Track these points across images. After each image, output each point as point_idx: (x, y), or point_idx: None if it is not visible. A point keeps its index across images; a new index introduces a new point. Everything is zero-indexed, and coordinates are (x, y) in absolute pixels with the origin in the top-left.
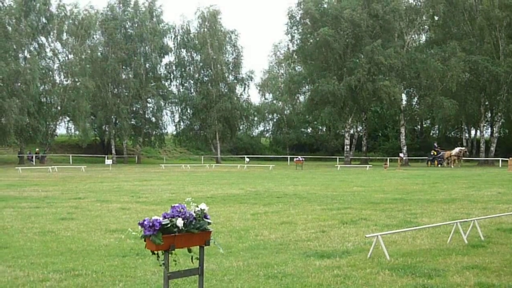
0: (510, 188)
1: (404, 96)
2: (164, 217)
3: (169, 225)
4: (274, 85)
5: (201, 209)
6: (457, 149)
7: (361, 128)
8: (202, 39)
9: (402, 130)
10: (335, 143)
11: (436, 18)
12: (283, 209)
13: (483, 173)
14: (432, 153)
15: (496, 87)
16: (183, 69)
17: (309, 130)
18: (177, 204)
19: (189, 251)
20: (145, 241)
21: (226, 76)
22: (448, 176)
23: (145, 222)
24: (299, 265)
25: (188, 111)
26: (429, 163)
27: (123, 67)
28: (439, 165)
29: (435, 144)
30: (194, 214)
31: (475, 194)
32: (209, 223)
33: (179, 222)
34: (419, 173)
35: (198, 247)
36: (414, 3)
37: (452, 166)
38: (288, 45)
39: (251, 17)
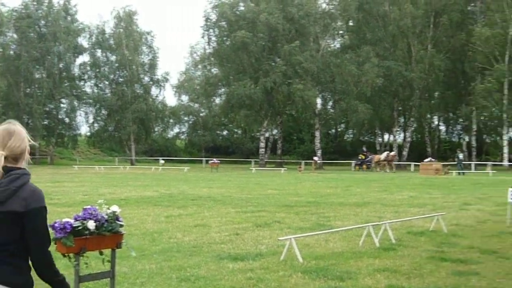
0: (421, 192)
1: (319, 100)
2: (76, 219)
3: (80, 228)
4: (190, 87)
5: (113, 211)
6: (384, 153)
7: (276, 131)
8: (118, 39)
9: (317, 133)
10: (251, 146)
11: (350, 23)
12: (197, 211)
13: (395, 177)
14: (360, 157)
15: (409, 93)
16: (98, 70)
17: (224, 132)
18: (89, 206)
19: (101, 253)
20: (55, 243)
21: (142, 77)
22: (361, 180)
23: (56, 225)
24: (212, 267)
25: (103, 112)
26: (356, 167)
27: (36, 66)
28: (367, 169)
29: (364, 148)
30: (106, 217)
31: (387, 197)
32: (121, 226)
33: (91, 225)
34: (333, 176)
35: (110, 250)
36: (329, 8)
37: (388, 171)
38: (204, 47)
39: (168, 18)
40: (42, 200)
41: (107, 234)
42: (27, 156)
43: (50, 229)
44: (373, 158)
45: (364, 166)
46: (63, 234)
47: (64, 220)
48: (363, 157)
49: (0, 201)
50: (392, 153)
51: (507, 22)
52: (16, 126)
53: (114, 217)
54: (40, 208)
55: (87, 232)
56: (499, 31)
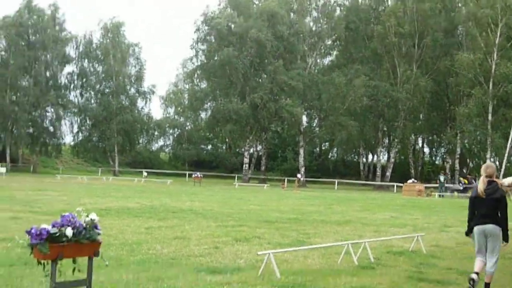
0: (402, 213)
1: (304, 118)
2: (53, 226)
3: (57, 234)
4: (178, 100)
5: (91, 219)
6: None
7: (261, 147)
8: (105, 50)
9: (301, 151)
10: (235, 161)
11: (338, 42)
12: (178, 224)
13: (378, 197)
14: (461, 182)
15: (394, 113)
16: (84, 79)
17: (209, 147)
18: (67, 213)
19: (74, 262)
20: (32, 249)
21: (128, 88)
22: (344, 199)
23: (32, 231)
24: (190, 279)
25: (88, 122)
26: (455, 193)
27: (24, 74)
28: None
29: (464, 170)
30: (84, 224)
31: (368, 217)
32: (99, 234)
33: (68, 232)
34: (316, 194)
35: (86, 258)
36: (316, 27)
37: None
38: (192, 60)
39: (158, 30)
40: None
41: (85, 242)
42: None
43: (26, 235)
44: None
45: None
46: (39, 241)
47: (41, 226)
48: (466, 181)
49: None
50: None
51: (489, 47)
52: None
53: (92, 225)
54: None
55: (64, 239)
56: (481, 56)
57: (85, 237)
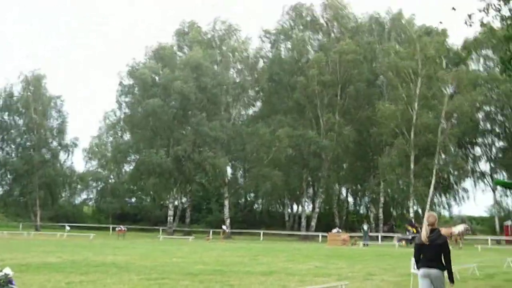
0: (327, 262)
1: (229, 169)
2: None
3: None
4: (101, 152)
5: (5, 274)
6: (461, 226)
7: (185, 199)
8: (26, 103)
9: (226, 202)
10: (159, 214)
11: (261, 93)
12: (99, 278)
13: (303, 247)
14: (409, 230)
15: (318, 163)
16: (4, 133)
17: (133, 199)
18: None
19: None
20: None
21: (50, 142)
22: (269, 250)
23: None
24: None
25: (8, 176)
26: (403, 242)
27: None
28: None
29: (411, 219)
30: None
31: (293, 267)
32: None
33: None
34: (241, 245)
35: None
36: (240, 79)
37: (461, 246)
38: (115, 112)
39: (82, 81)
40: None
41: None
42: None
43: None
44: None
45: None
46: None
47: None
48: (415, 231)
49: None
50: (465, 226)
51: (410, 98)
52: None
53: (7, 280)
54: None
55: None
56: (403, 106)
57: None
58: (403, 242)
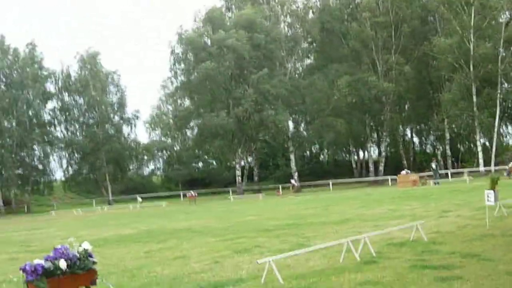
0: (400, 204)
1: (291, 123)
2: (46, 260)
3: (52, 268)
4: (162, 122)
5: (84, 248)
6: None
7: (251, 158)
8: (84, 81)
9: (292, 157)
10: (227, 175)
11: (314, 44)
12: (176, 244)
13: (374, 192)
14: None
15: (379, 107)
16: (67, 113)
17: (200, 164)
18: (59, 246)
19: None
20: (28, 287)
21: (112, 117)
22: (340, 199)
23: (27, 267)
24: None
25: (76, 155)
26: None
27: (5, 115)
28: None
29: None
30: (77, 255)
31: (366, 213)
32: (94, 263)
33: (62, 264)
34: (311, 197)
35: None
36: (291, 32)
37: None
38: (172, 81)
39: (137, 55)
40: None
41: (80, 272)
42: None
43: (21, 272)
44: None
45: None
46: (35, 277)
47: (34, 261)
48: None
49: None
50: None
51: (466, 29)
52: None
53: (86, 255)
54: None
55: (59, 272)
56: (458, 39)
57: (79, 267)
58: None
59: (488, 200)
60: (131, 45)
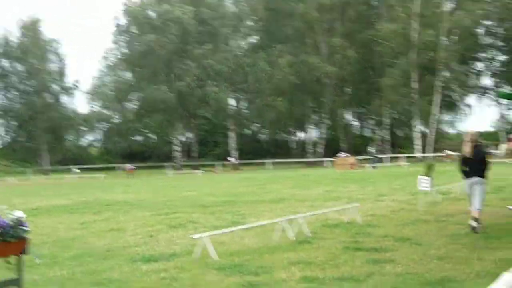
0: (336, 186)
1: (232, 101)
2: None
3: None
4: (103, 93)
5: (17, 216)
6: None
7: (191, 134)
8: (24, 48)
9: (232, 134)
10: (167, 150)
11: (259, 23)
12: (112, 216)
13: (311, 173)
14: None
15: (321, 89)
16: (6, 80)
17: (139, 138)
18: None
19: (8, 262)
20: None
21: (51, 85)
22: (277, 178)
23: None
24: (125, 270)
25: (13, 122)
26: None
27: None
28: None
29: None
30: (11, 223)
31: (302, 193)
32: (26, 231)
33: None
34: (249, 176)
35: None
36: (237, 9)
37: None
38: (114, 52)
39: (78, 24)
40: None
41: (12, 240)
42: None
43: None
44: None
45: None
46: None
47: None
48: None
49: None
50: None
51: (409, 16)
52: None
53: (18, 223)
54: None
55: None
56: (402, 26)
57: (11, 235)
58: None
59: (421, 186)
60: (75, 12)
